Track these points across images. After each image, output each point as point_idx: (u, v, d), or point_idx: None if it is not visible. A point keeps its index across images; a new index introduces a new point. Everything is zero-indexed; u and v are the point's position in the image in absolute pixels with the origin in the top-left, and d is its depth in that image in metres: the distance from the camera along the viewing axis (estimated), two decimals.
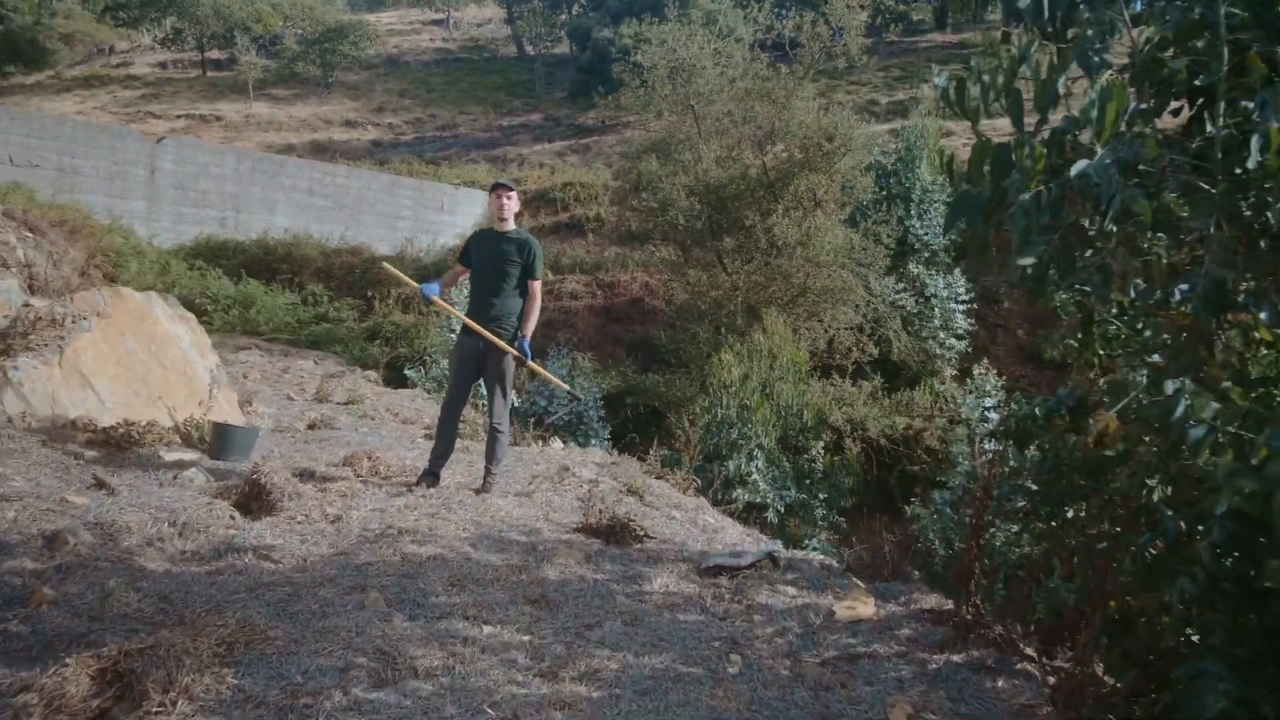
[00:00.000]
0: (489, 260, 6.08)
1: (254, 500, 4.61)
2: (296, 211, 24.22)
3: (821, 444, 14.17)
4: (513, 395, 6.31)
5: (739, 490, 12.76)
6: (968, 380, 11.89)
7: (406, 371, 13.94)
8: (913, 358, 19.01)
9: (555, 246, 25.90)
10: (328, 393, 10.33)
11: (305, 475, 5.48)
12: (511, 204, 6.16)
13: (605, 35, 41.80)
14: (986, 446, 11.52)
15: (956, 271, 18.91)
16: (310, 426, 7.72)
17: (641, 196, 17.04)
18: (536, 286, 6.06)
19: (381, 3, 68.41)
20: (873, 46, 40.44)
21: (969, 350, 19.18)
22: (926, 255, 19.63)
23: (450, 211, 27.89)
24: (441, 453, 5.94)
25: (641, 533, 4.84)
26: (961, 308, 18.75)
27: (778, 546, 5.03)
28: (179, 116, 41.91)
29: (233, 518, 4.42)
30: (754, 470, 12.84)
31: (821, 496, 13.80)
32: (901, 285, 18.59)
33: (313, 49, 47.07)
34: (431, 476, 5.92)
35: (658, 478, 6.84)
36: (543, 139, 40.04)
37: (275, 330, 17.52)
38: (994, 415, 11.41)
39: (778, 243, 14.88)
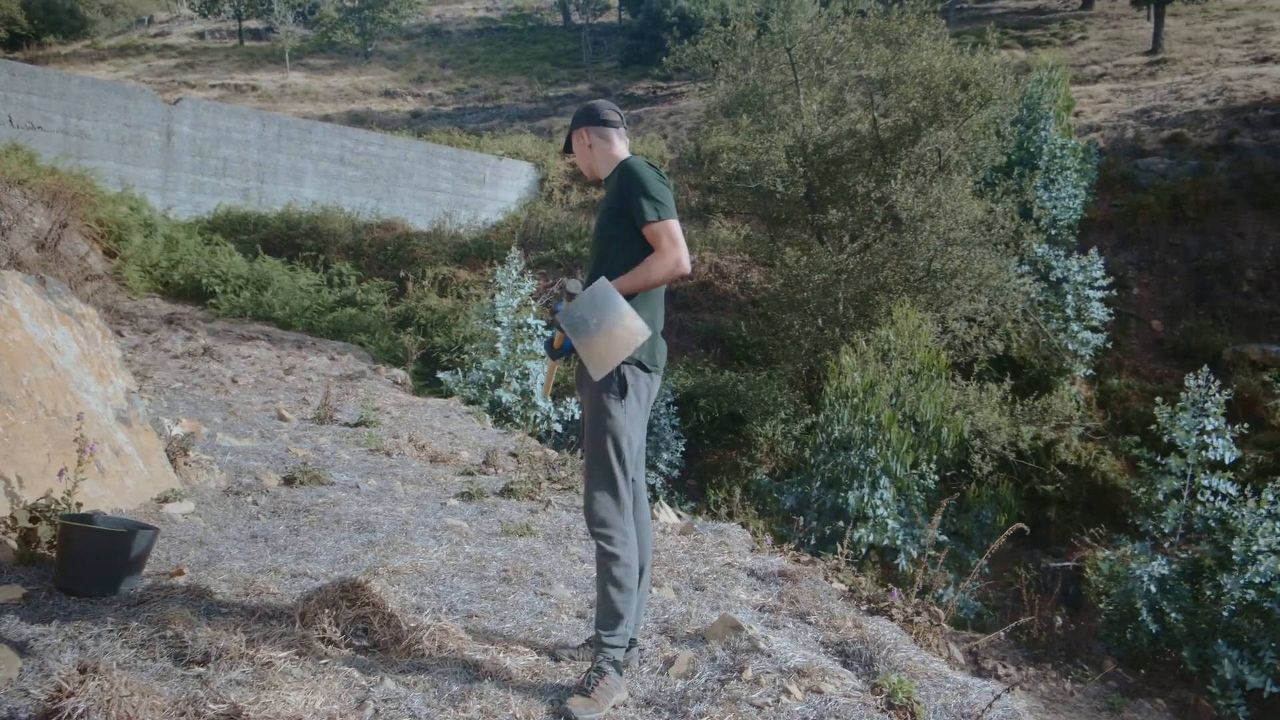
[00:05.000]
0: (594, 228, 3.47)
1: None
2: (325, 182, 21.72)
3: (932, 463, 11.34)
4: (619, 468, 3.03)
5: (861, 530, 10.02)
6: (1181, 393, 8.97)
7: (442, 375, 11.29)
8: (1036, 354, 16.04)
9: None
10: (335, 408, 7.72)
11: (192, 683, 2.47)
12: (594, 149, 3.41)
13: None
14: (1207, 483, 8.66)
15: (1093, 251, 15.84)
16: (287, 480, 5.09)
17: (722, 162, 14.18)
18: (658, 233, 3.12)
19: None
20: (945, 11, 37.25)
21: (1107, 345, 16.14)
22: (1053, 232, 16.58)
23: (492, 184, 25.30)
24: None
25: None
26: (1099, 295, 15.70)
27: None
28: (213, 86, 39.97)
29: None
30: (879, 503, 10.07)
31: (939, 533, 11.00)
32: (1025, 268, 15.55)
33: (352, 17, 45.02)
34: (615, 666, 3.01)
35: (875, 609, 4.03)
36: None
37: (291, 316, 15.08)
38: (1220, 443, 8.51)
39: (898, 215, 12.00)
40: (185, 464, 4.64)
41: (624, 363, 3.09)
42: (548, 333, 3.20)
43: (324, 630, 2.87)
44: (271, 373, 9.94)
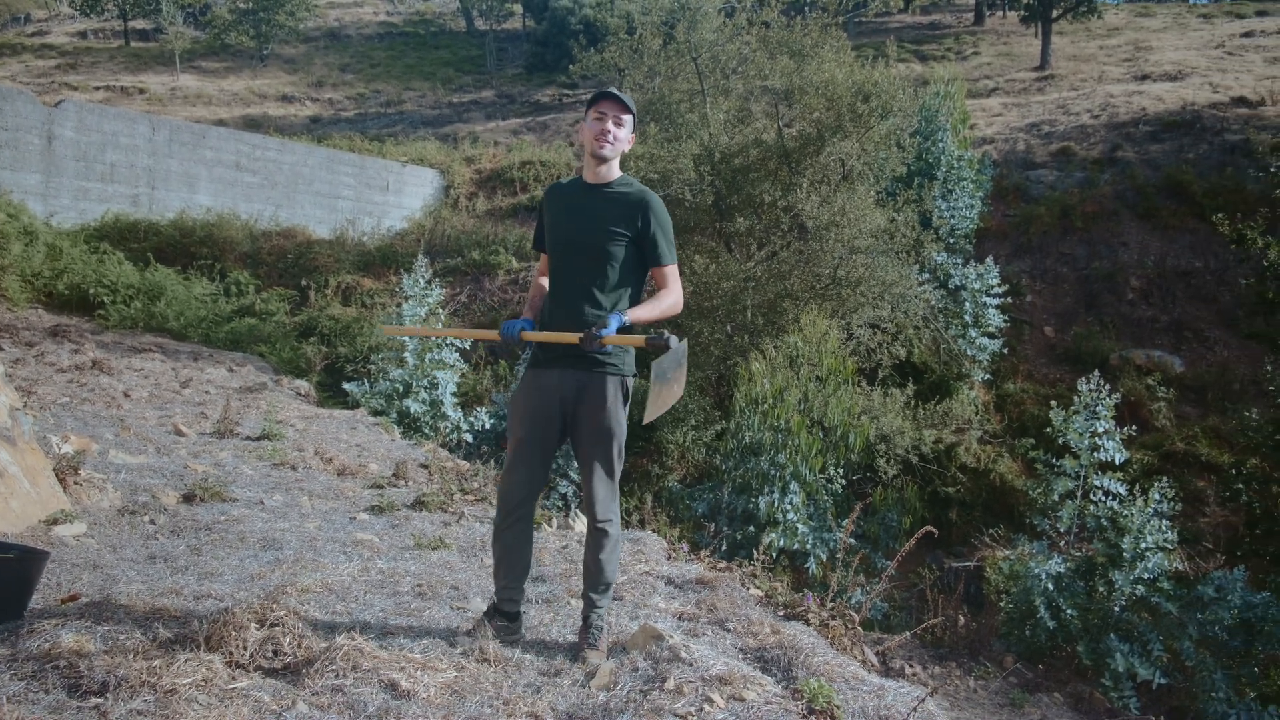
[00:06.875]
0: (576, 230, 3.39)
1: None
2: (221, 188, 21.00)
3: (840, 467, 11.56)
4: (619, 466, 3.42)
5: (771, 535, 10.12)
6: (1074, 397, 9.30)
7: (347, 386, 11.01)
8: (936, 360, 16.50)
9: (516, 230, 23.06)
10: (236, 421, 7.45)
11: None
12: (623, 134, 3.41)
13: (564, 4, 38.81)
14: (1099, 483, 9.01)
15: (989, 260, 16.39)
16: (187, 498, 4.87)
17: (630, 170, 14.24)
18: (669, 275, 3.42)
19: None
20: (845, 25, 38.24)
21: (1003, 351, 16.71)
22: (950, 241, 17.10)
23: (396, 191, 24.86)
24: (513, 576, 3.38)
25: None
26: (995, 301, 16.25)
27: None
28: (98, 88, 38.29)
29: None
30: (789, 508, 10.20)
31: (840, 534, 11.21)
32: (925, 275, 15.99)
33: (246, 19, 43.53)
34: (504, 621, 3.40)
35: (791, 614, 4.07)
36: (496, 116, 37.21)
37: (186, 326, 14.54)
38: (1110, 444, 8.86)
39: (805, 224, 12.21)
40: (76, 483, 4.40)
41: (627, 375, 3.48)
42: (519, 321, 3.30)
43: (231, 654, 2.73)
44: (167, 386, 9.54)
